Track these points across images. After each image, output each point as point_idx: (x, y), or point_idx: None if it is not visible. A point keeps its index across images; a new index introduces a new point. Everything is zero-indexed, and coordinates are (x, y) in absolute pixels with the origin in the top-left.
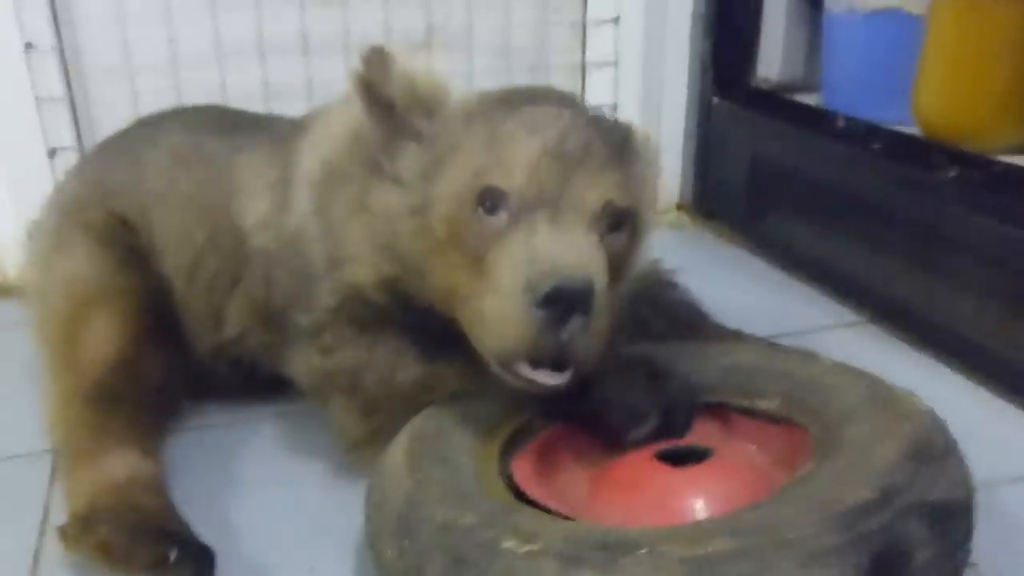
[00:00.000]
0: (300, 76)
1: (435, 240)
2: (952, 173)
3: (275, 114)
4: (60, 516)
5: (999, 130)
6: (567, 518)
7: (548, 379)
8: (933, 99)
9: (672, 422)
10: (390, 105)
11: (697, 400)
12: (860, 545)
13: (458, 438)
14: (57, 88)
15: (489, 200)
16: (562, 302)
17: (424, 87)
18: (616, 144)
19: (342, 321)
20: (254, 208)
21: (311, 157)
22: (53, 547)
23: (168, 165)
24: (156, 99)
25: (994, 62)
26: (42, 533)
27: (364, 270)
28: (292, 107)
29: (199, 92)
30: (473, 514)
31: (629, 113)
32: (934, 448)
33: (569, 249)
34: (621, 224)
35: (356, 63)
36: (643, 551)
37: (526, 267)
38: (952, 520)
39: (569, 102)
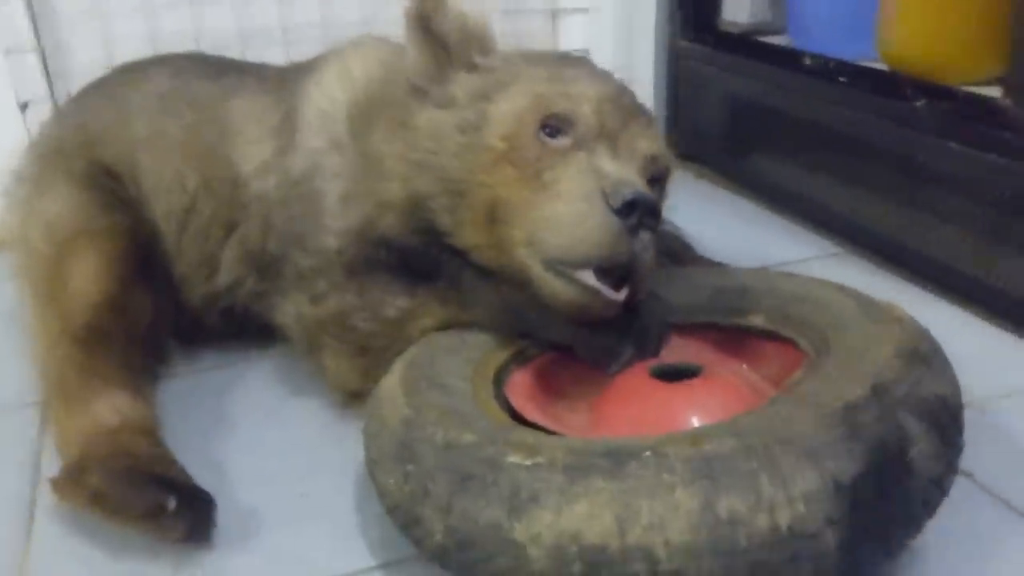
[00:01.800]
0: (275, 21)
1: (487, 154)
2: (921, 102)
3: (257, 62)
4: (52, 467)
5: (964, 65)
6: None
7: (609, 292)
8: (899, 36)
9: (645, 345)
10: (441, 38)
11: (667, 321)
12: (855, 438)
13: (452, 365)
14: (26, 38)
15: (554, 124)
16: (639, 210)
17: (476, 26)
18: (651, 116)
19: (337, 264)
20: (254, 154)
21: (326, 97)
22: (47, 499)
23: (155, 111)
24: (129, 46)
25: None
26: (35, 485)
27: (397, 187)
28: (267, 52)
29: (173, 37)
30: (473, 433)
31: (602, 58)
32: (922, 348)
33: (633, 174)
34: (657, 180)
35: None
36: (647, 454)
37: (601, 180)
38: (943, 415)
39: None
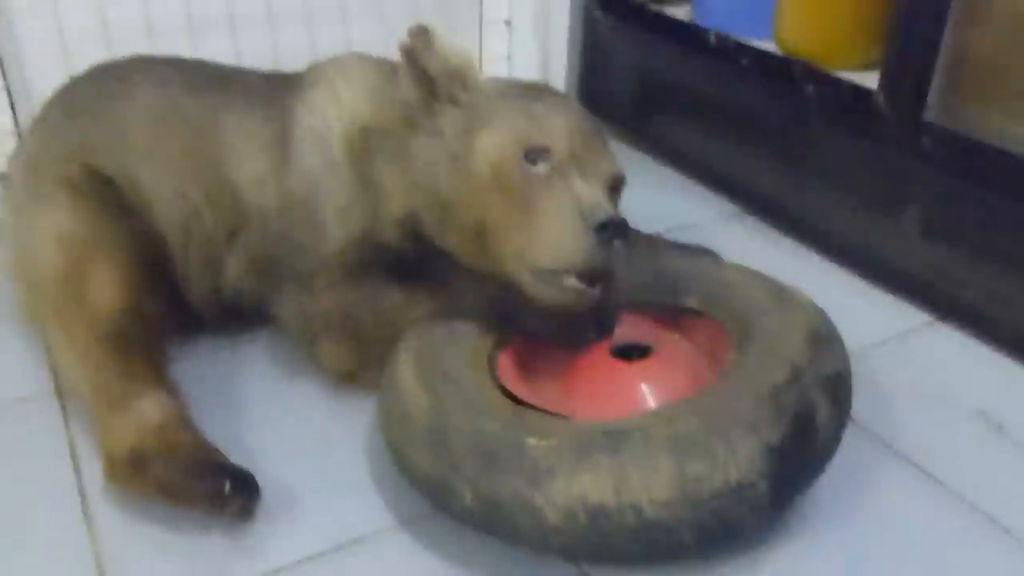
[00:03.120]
0: (223, 9)
1: (476, 181)
2: (810, 90)
3: (233, 68)
4: (87, 455)
5: (847, 51)
6: (558, 415)
7: (589, 291)
8: (790, 23)
9: (604, 328)
10: (429, 74)
11: (619, 303)
12: (782, 413)
13: (453, 356)
14: None
15: (533, 155)
16: (611, 228)
17: (458, 64)
18: (606, 135)
19: (336, 266)
20: (248, 167)
21: (319, 119)
22: (92, 484)
23: (149, 124)
24: (80, 34)
25: None
26: (76, 471)
27: (396, 204)
28: (216, 39)
29: (122, 26)
30: (493, 421)
31: (522, 26)
32: (823, 333)
33: (603, 196)
34: (616, 190)
35: (403, 37)
36: (637, 434)
37: (580, 203)
38: (839, 386)
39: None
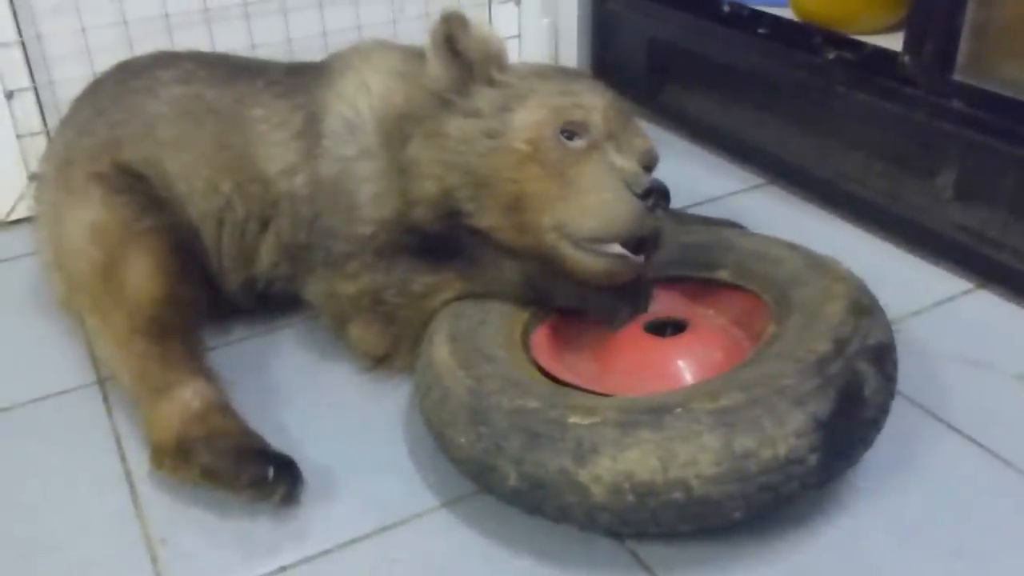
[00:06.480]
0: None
1: (514, 155)
2: (832, 55)
3: (254, 59)
4: (133, 444)
5: (865, 16)
6: (598, 393)
7: (635, 257)
8: None
9: (638, 304)
10: (464, 55)
11: (652, 279)
12: (829, 385)
13: (488, 336)
14: (10, 32)
15: (571, 129)
16: (655, 194)
17: (495, 47)
18: (636, 116)
19: (368, 249)
20: (279, 156)
21: (350, 108)
22: (139, 471)
23: (176, 118)
24: (102, 33)
25: None
26: (123, 459)
27: (431, 185)
28: (230, 27)
29: (142, 22)
30: (534, 399)
31: (531, 3)
32: (864, 303)
33: (635, 166)
34: (649, 168)
35: (438, 20)
36: (679, 409)
37: (621, 173)
38: (884, 357)
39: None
